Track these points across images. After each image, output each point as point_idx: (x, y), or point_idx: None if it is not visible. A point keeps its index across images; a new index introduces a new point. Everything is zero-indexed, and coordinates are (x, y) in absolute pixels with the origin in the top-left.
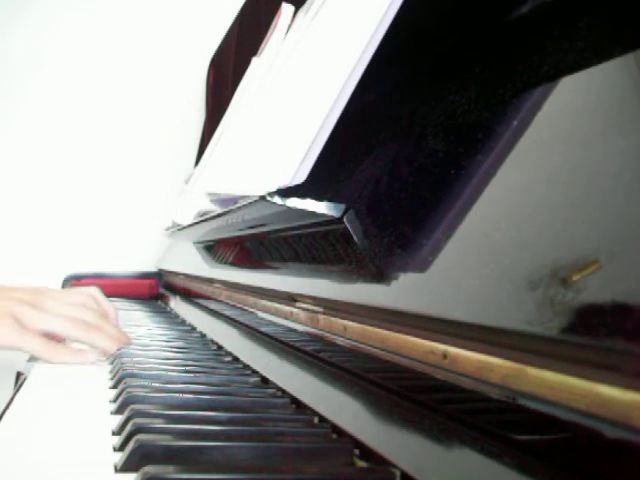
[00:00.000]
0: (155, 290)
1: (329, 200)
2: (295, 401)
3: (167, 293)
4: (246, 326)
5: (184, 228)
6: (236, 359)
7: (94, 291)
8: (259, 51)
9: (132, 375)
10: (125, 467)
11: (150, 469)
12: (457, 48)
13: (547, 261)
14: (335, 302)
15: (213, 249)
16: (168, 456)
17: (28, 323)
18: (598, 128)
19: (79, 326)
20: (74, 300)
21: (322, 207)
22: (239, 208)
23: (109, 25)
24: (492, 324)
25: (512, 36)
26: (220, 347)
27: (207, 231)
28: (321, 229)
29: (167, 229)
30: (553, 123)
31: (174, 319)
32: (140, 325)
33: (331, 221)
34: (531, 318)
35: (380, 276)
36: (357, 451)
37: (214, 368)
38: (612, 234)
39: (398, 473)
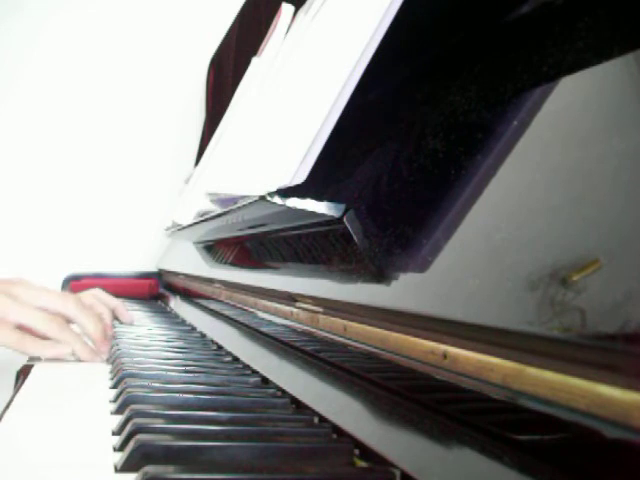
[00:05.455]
0: (155, 290)
1: (329, 200)
2: (295, 401)
3: (167, 293)
4: (246, 326)
5: (184, 228)
6: (236, 359)
7: (97, 291)
8: (259, 51)
9: (132, 375)
10: (125, 467)
11: (150, 469)
12: (457, 48)
13: (547, 261)
14: (335, 302)
15: (213, 249)
16: (168, 456)
17: (2, 315)
18: (598, 128)
19: (52, 323)
20: (53, 293)
21: (322, 207)
22: (239, 208)
23: (109, 25)
24: (492, 324)
25: (512, 36)
26: (220, 347)
27: (207, 231)
28: (321, 229)
29: (167, 229)
30: (553, 123)
31: (174, 319)
32: (140, 325)
33: (331, 221)
34: (531, 318)
35: (380, 276)
36: (357, 451)
37: (214, 368)
38: (612, 234)
39: (398, 473)
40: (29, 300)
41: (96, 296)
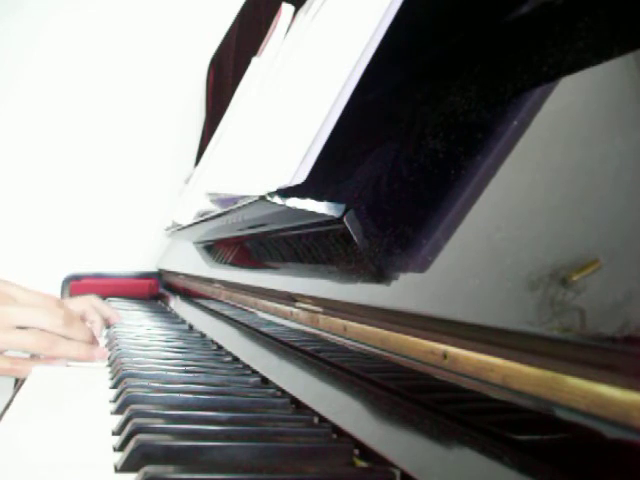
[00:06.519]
0: (155, 290)
1: (329, 200)
2: (295, 401)
3: (167, 293)
4: (246, 326)
5: (184, 228)
6: (236, 359)
7: (93, 298)
8: (259, 51)
9: (132, 375)
10: (125, 467)
11: (150, 469)
12: (457, 48)
13: (547, 261)
14: (335, 302)
15: (213, 249)
16: (168, 456)
17: None
18: (598, 128)
19: (42, 343)
20: (37, 304)
21: (322, 207)
22: (239, 208)
23: (109, 25)
24: (492, 324)
25: (512, 36)
26: (220, 347)
27: (207, 231)
28: (321, 229)
29: (167, 229)
30: (553, 123)
31: (174, 319)
32: (140, 325)
33: (331, 221)
34: (531, 318)
35: (380, 276)
36: (357, 451)
37: (214, 368)
38: (612, 234)
39: (398, 473)
40: (15, 320)
41: (92, 303)
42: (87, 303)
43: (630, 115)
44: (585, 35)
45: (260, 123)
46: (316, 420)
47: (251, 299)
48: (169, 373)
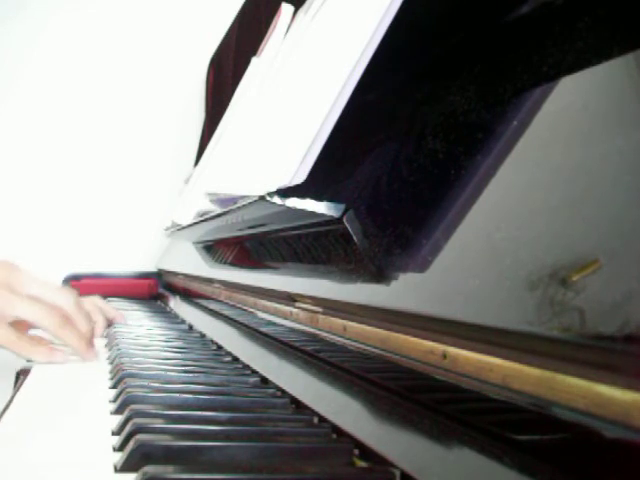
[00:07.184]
0: (155, 290)
1: (329, 200)
2: (295, 401)
3: (167, 293)
4: (246, 326)
5: (184, 228)
6: (236, 359)
7: (97, 299)
8: (259, 51)
9: (132, 375)
10: (125, 467)
11: (150, 469)
12: (457, 48)
13: (547, 261)
14: (335, 302)
15: (213, 249)
16: (168, 456)
17: (1, 309)
18: (598, 128)
19: (53, 319)
20: (53, 286)
21: (322, 207)
22: (239, 208)
23: (109, 25)
24: (492, 324)
25: (512, 36)
26: (220, 347)
27: (207, 231)
28: (321, 229)
29: (167, 229)
30: (553, 123)
31: (174, 319)
32: (140, 325)
33: (331, 221)
34: (531, 318)
35: (380, 276)
36: (357, 451)
37: (214, 368)
38: (612, 234)
39: (398, 473)
40: (29, 290)
41: (96, 304)
42: (91, 304)
43: (630, 115)
44: (585, 35)
45: (260, 123)
46: (316, 420)
47: (251, 299)
48: (169, 373)
